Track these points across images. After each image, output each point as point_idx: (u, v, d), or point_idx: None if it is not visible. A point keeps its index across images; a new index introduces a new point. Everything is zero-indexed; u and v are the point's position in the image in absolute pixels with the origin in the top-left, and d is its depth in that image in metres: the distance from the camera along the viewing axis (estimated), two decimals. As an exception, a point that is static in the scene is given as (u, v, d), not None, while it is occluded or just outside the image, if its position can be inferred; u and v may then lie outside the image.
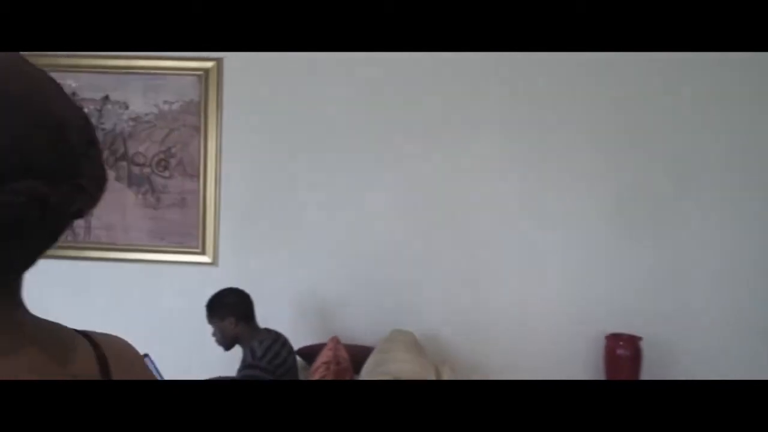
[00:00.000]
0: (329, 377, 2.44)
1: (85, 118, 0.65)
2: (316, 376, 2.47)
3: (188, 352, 3.26)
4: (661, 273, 3.13)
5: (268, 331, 2.55)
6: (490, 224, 3.19)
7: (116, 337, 0.75)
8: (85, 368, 0.65)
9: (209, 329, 3.25)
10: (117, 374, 0.68)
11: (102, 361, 0.68)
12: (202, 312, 3.29)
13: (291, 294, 3.25)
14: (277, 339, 2.50)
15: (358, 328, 3.21)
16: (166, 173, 3.31)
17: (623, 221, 3.13)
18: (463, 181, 3.20)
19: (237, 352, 3.08)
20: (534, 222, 3.17)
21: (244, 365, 2.36)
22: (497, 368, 3.17)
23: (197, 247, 3.31)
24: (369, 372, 2.37)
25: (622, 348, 2.93)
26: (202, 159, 3.29)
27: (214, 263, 3.31)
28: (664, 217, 3.13)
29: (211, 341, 3.24)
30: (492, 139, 3.18)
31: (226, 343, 2.51)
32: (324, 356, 2.58)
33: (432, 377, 2.22)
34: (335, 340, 2.66)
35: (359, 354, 2.76)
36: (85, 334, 0.71)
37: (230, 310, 2.46)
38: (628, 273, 3.13)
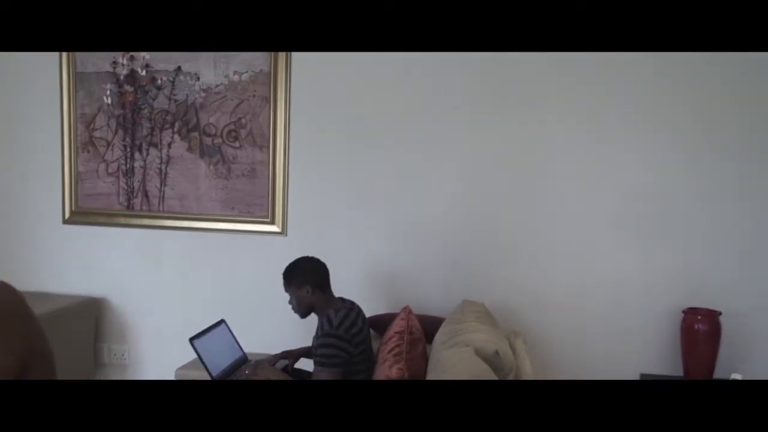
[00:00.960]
0: (403, 347, 2.45)
1: None
2: (390, 346, 2.49)
3: (258, 320, 3.35)
4: (742, 246, 3.01)
5: (342, 300, 2.57)
6: (562, 195, 3.12)
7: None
8: None
9: (279, 296, 3.31)
10: None
11: None
12: (272, 280, 3.35)
13: (358, 264, 3.27)
14: (352, 308, 2.52)
15: (425, 299, 3.21)
16: (237, 144, 3.36)
17: (704, 193, 3.01)
18: (536, 152, 3.13)
19: (308, 320, 3.14)
20: (608, 193, 3.08)
21: (322, 333, 2.39)
22: (569, 342, 3.14)
23: (266, 217, 3.36)
24: (444, 342, 2.37)
25: (701, 322, 2.84)
26: (271, 129, 3.31)
27: (282, 233, 3.36)
28: (745, 189, 3.00)
29: (281, 309, 3.31)
30: (565, 108, 3.09)
31: (302, 311, 2.55)
32: (397, 326, 2.60)
33: (506, 348, 2.20)
34: (408, 310, 2.68)
35: (430, 324, 2.76)
36: None
37: (307, 279, 2.50)
38: (708, 245, 3.02)
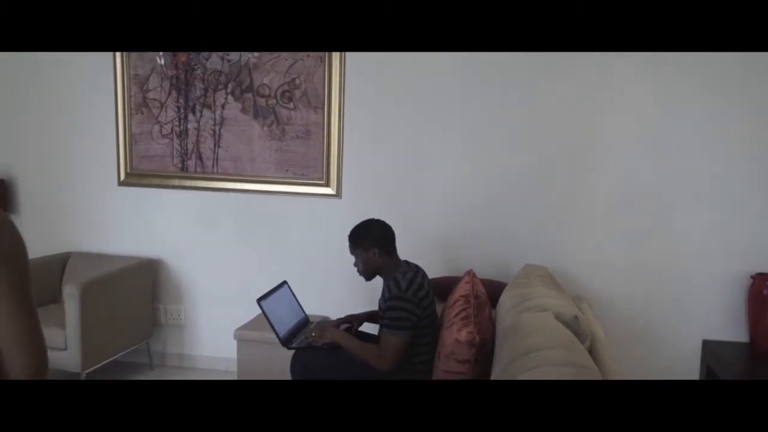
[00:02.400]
0: (470, 310, 2.43)
1: None
2: (456, 310, 2.47)
3: (313, 282, 3.35)
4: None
5: (407, 263, 2.55)
6: (623, 160, 3.04)
7: None
8: None
9: (333, 259, 3.32)
10: None
11: None
12: (326, 242, 3.36)
13: (413, 228, 3.24)
14: (417, 271, 2.50)
15: (479, 264, 3.17)
16: (291, 105, 3.31)
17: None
18: (598, 115, 3.04)
19: (364, 283, 3.13)
20: (675, 156, 2.99)
21: (390, 296, 2.38)
22: (630, 308, 3.09)
23: (321, 179, 3.33)
24: (514, 306, 2.34)
25: (770, 288, 2.78)
26: (326, 90, 3.26)
27: (337, 195, 3.34)
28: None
29: (336, 271, 3.32)
30: (630, 70, 2.98)
31: (368, 274, 2.53)
32: (462, 289, 2.57)
33: (575, 312, 2.16)
34: (472, 274, 2.65)
35: (492, 288, 2.73)
36: None
37: (374, 242, 2.47)
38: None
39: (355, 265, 2.54)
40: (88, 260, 3.53)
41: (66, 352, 3.01)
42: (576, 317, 2.05)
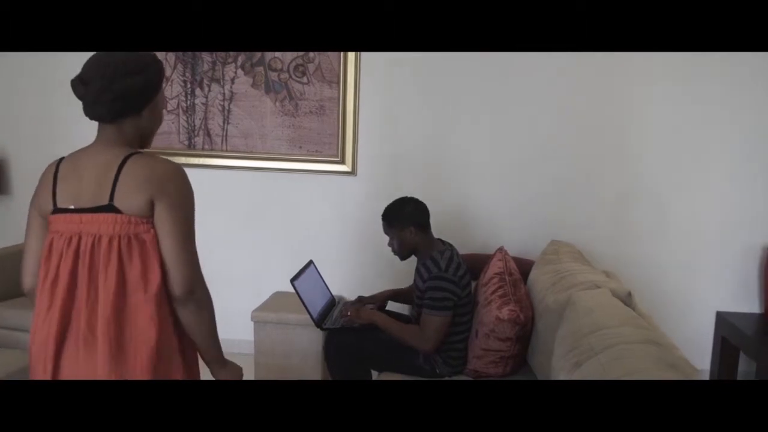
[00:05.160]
0: (507, 288, 2.43)
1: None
2: (492, 288, 2.45)
3: (329, 261, 3.30)
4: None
5: (442, 242, 2.52)
6: (642, 134, 3.06)
7: None
8: None
9: (349, 237, 3.27)
10: None
11: None
12: (342, 220, 3.31)
13: (432, 205, 3.19)
14: (452, 249, 2.47)
15: (501, 241, 3.17)
16: (304, 79, 3.21)
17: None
18: (621, 95, 3.04)
19: (379, 262, 3.09)
20: (694, 130, 3.03)
21: (430, 276, 2.33)
22: (646, 279, 3.14)
23: (336, 156, 3.25)
24: (554, 283, 2.34)
25: (786, 261, 2.86)
26: (342, 64, 3.17)
27: (353, 173, 3.27)
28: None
29: (353, 249, 3.27)
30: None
31: (404, 253, 2.48)
32: (495, 267, 2.56)
33: (628, 289, 2.15)
34: (504, 251, 2.64)
35: (521, 265, 2.73)
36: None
37: (411, 220, 2.42)
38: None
39: (390, 244, 2.49)
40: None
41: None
42: (630, 294, 2.06)
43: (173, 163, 1.40)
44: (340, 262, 3.32)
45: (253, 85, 3.24)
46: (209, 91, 3.27)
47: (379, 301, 2.74)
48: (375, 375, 2.56)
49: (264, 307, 3.13)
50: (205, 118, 3.30)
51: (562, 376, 1.71)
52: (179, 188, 1.37)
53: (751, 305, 3.10)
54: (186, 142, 3.33)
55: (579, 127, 3.08)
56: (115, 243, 1.31)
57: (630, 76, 3.01)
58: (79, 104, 1.42)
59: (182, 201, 1.37)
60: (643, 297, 3.14)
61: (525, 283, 2.64)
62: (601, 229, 3.14)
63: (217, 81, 3.26)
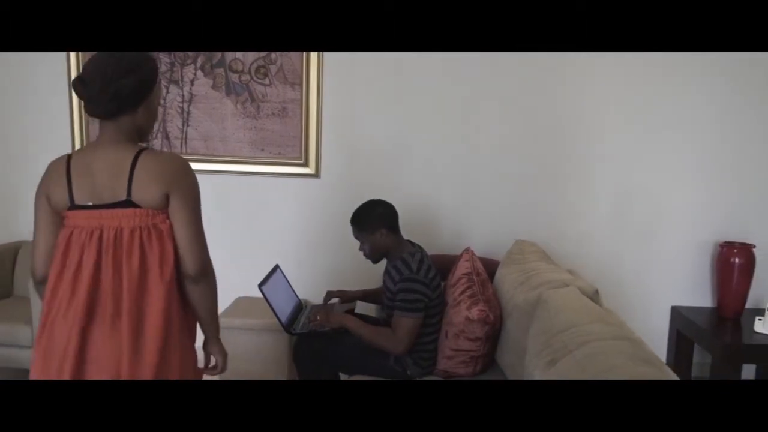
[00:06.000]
0: (476, 288, 2.45)
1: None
2: (460, 288, 2.48)
3: (292, 264, 3.26)
4: (769, 183, 3.15)
5: (411, 243, 2.52)
6: (597, 134, 3.14)
7: None
8: None
9: (313, 241, 3.24)
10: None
11: None
12: (305, 224, 3.28)
13: (397, 207, 3.21)
14: (421, 250, 2.48)
15: (465, 243, 3.21)
16: (266, 81, 3.17)
17: (736, 127, 3.10)
18: (580, 96, 3.11)
19: (340, 265, 3.08)
20: (644, 126, 3.12)
21: (401, 278, 2.33)
22: (604, 275, 3.22)
23: (299, 159, 3.22)
24: (522, 283, 2.38)
25: (737, 256, 2.98)
26: (304, 65, 3.14)
27: (316, 175, 3.24)
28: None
29: (315, 252, 3.25)
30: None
31: (376, 257, 2.47)
32: (462, 267, 2.58)
33: (595, 287, 2.20)
34: (470, 252, 2.66)
35: (487, 265, 2.76)
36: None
37: (381, 222, 2.41)
38: (744, 180, 3.14)
39: (361, 249, 2.48)
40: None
41: (33, 350, 2.77)
42: (597, 291, 2.11)
43: (181, 158, 1.54)
44: (305, 266, 3.29)
45: (214, 86, 3.18)
46: (167, 92, 3.19)
47: (347, 296, 2.74)
48: (345, 378, 2.55)
49: (228, 312, 3.08)
50: (164, 120, 3.22)
51: (537, 374, 1.74)
52: (190, 182, 1.52)
53: (704, 299, 3.22)
54: (144, 145, 3.23)
55: (541, 127, 3.14)
56: (137, 234, 1.45)
57: (589, 77, 3.09)
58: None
59: (193, 192, 1.52)
60: (603, 294, 3.24)
61: (492, 282, 2.67)
62: (563, 229, 3.21)
63: (176, 83, 3.18)
